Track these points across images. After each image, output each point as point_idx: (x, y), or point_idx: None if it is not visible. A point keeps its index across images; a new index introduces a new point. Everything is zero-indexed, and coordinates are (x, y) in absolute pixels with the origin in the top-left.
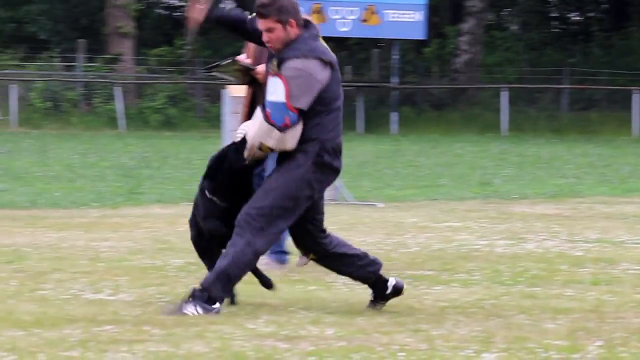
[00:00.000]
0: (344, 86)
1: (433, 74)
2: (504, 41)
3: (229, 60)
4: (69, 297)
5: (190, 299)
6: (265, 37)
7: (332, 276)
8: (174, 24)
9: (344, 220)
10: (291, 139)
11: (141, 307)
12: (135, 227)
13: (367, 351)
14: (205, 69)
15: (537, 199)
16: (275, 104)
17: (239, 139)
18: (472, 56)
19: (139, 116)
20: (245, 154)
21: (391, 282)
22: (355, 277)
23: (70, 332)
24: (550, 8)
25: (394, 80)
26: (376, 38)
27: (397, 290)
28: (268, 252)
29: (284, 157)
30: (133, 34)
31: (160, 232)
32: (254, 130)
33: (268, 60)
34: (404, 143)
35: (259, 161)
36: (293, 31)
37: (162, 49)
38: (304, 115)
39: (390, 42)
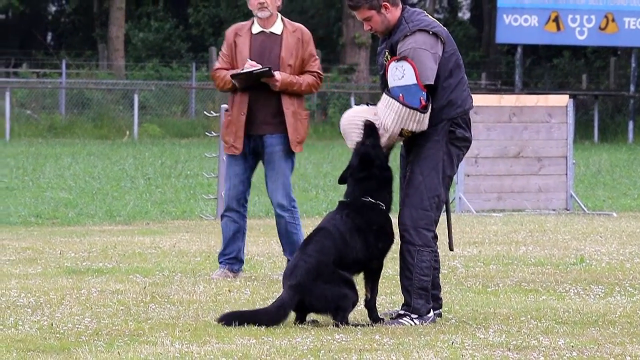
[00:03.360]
0: (580, 94)
1: None
2: None
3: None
4: None
5: (402, 317)
6: (366, 27)
7: (565, 286)
8: None
9: (577, 229)
10: (427, 118)
11: None
12: None
13: None
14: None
15: None
16: (407, 88)
17: (357, 139)
18: None
19: None
20: (384, 143)
21: None
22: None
23: (301, 341)
24: None
25: (632, 89)
26: (614, 46)
27: None
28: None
29: (417, 145)
30: (369, 44)
31: None
32: (391, 118)
33: (379, 55)
34: None
35: (392, 148)
36: (391, 13)
37: None
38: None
39: (628, 50)
